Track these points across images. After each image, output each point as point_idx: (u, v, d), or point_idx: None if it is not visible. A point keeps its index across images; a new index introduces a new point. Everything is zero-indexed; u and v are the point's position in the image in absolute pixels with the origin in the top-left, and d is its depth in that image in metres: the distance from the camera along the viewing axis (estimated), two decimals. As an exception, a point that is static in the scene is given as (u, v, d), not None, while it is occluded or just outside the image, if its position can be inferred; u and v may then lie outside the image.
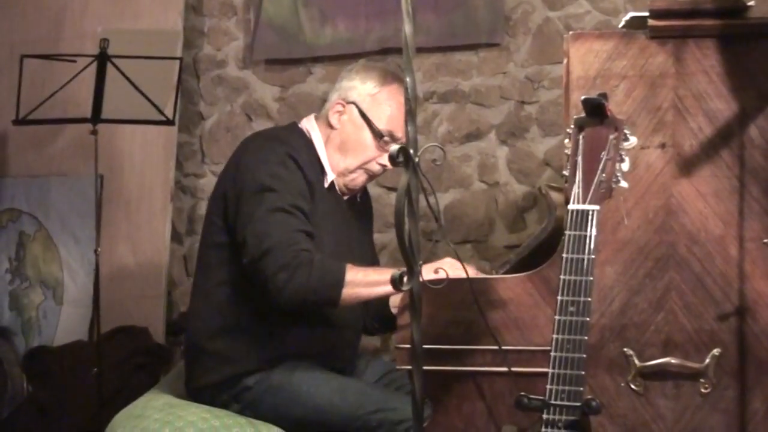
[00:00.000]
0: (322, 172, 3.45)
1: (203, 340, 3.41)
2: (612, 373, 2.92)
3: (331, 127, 3.48)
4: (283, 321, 3.34)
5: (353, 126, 3.46)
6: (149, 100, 4.49)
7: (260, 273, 3.18)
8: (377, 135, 3.43)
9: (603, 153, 2.46)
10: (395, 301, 3.38)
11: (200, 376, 3.42)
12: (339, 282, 3.14)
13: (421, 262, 2.48)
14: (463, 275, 2.82)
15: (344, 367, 3.52)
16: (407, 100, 2.43)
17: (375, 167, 3.47)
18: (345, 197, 3.54)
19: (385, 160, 3.39)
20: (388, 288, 2.96)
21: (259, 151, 3.35)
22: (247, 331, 3.35)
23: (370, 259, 3.66)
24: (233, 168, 3.40)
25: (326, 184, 3.45)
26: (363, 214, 3.69)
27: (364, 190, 3.66)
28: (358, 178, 3.49)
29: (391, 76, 3.50)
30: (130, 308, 5.20)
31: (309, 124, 3.53)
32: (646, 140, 2.89)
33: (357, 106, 3.45)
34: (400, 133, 3.40)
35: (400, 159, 2.38)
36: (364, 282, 3.16)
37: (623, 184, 2.47)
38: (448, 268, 2.95)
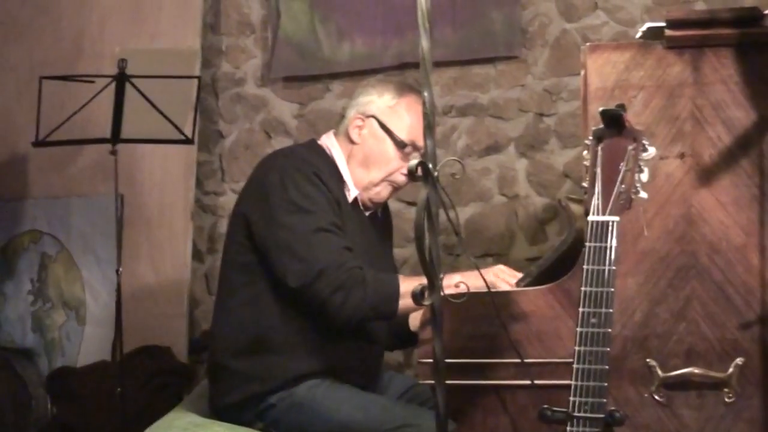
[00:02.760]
0: (345, 189, 3.45)
1: (226, 359, 3.41)
2: (635, 384, 2.92)
3: (352, 142, 3.49)
4: (306, 340, 3.34)
5: (375, 139, 3.47)
6: (168, 119, 4.51)
7: (315, 296, 3.20)
8: (400, 145, 3.44)
9: (622, 164, 2.47)
10: (414, 320, 3.42)
11: (224, 394, 3.42)
12: (395, 295, 3.18)
13: (442, 275, 2.49)
14: (484, 288, 2.82)
15: (368, 383, 3.52)
16: (425, 115, 2.43)
17: (400, 178, 3.47)
18: (367, 213, 3.54)
19: None
20: None
21: (284, 172, 3.33)
22: (271, 350, 3.35)
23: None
24: (256, 188, 3.39)
25: (349, 201, 3.45)
26: (384, 229, 3.69)
27: (384, 205, 3.67)
28: (383, 191, 3.50)
29: (408, 88, 3.53)
30: (153, 328, 5.22)
31: (329, 141, 3.54)
32: (665, 150, 2.89)
33: (377, 119, 3.46)
34: (421, 143, 3.39)
35: (420, 173, 2.39)
36: None
37: (643, 194, 2.48)
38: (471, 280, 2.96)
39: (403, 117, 3.46)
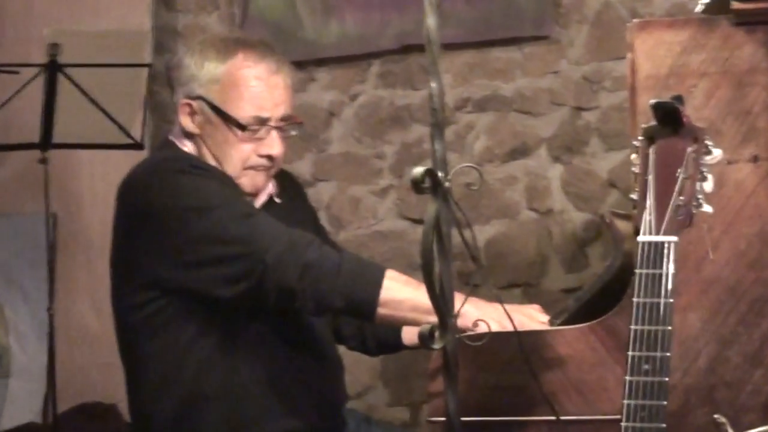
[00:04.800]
0: None
1: None
2: (700, 446, 2.93)
3: (191, 134, 3.39)
4: (250, 383, 3.26)
5: (211, 126, 3.34)
6: (112, 118, 4.52)
7: (276, 287, 3.10)
8: (240, 128, 3.30)
9: (680, 170, 2.48)
10: (408, 334, 3.40)
11: None
12: (373, 301, 3.08)
13: (457, 311, 2.49)
14: (510, 327, 2.83)
15: (337, 410, 3.47)
16: (433, 111, 2.43)
17: (259, 161, 3.35)
18: (258, 204, 3.42)
19: (266, 148, 3.32)
20: None
21: (155, 184, 3.29)
22: (209, 409, 3.27)
23: None
24: (134, 225, 3.31)
25: None
26: (290, 211, 3.53)
27: (285, 181, 3.57)
28: (256, 178, 3.37)
29: (233, 44, 3.37)
30: (94, 380, 5.23)
31: (177, 139, 3.44)
32: (733, 153, 2.90)
33: (204, 100, 3.33)
34: (268, 111, 3.31)
35: (426, 184, 2.39)
36: (410, 306, 3.07)
37: (706, 208, 2.48)
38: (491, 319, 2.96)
39: (235, 88, 3.32)
